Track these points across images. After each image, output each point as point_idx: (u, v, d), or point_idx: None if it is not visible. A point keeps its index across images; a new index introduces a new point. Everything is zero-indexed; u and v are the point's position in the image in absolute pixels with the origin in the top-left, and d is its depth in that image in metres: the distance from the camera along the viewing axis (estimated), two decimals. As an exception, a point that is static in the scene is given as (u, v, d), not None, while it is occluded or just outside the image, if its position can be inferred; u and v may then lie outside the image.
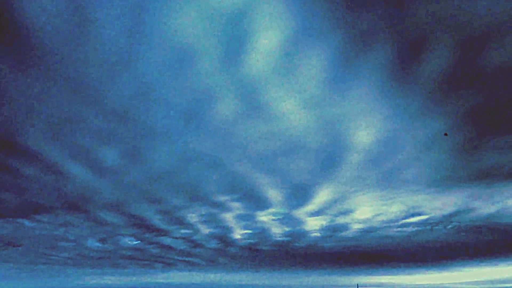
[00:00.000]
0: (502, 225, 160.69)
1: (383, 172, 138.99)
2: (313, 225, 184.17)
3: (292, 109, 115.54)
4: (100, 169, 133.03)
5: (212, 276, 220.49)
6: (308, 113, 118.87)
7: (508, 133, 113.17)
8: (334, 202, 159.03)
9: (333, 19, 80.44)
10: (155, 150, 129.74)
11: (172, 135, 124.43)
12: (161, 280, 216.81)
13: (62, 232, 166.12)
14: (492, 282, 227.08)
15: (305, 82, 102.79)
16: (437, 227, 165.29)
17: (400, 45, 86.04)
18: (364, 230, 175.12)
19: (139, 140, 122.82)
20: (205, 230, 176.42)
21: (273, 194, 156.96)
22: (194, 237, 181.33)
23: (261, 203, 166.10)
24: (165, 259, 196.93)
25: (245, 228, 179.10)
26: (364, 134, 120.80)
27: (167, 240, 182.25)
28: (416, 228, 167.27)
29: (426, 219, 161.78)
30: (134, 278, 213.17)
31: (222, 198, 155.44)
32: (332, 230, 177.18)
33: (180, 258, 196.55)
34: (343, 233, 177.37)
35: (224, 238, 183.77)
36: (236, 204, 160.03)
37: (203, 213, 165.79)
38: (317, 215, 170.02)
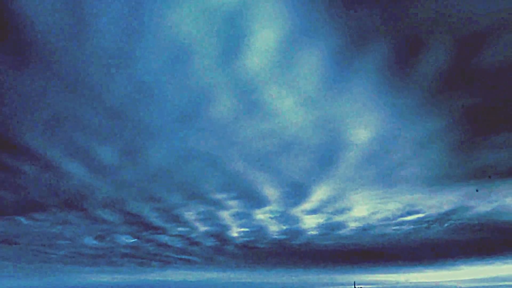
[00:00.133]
0: (498, 224, 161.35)
1: (380, 171, 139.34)
2: (310, 223, 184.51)
3: (289, 107, 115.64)
4: (97, 167, 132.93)
5: (209, 274, 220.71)
6: (306, 112, 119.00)
7: (504, 132, 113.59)
8: (331, 200, 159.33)
9: (331, 18, 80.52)
10: (152, 148, 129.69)
11: (169, 133, 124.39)
12: (158, 278, 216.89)
13: (59, 230, 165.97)
14: (488, 280, 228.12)
15: (302, 81, 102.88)
16: (433, 226, 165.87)
17: (397, 44, 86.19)
18: (361, 228, 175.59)
19: (136, 138, 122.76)
20: (202, 228, 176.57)
21: (270, 192, 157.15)
22: (191, 235, 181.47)
23: (258, 201, 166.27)
24: (162, 257, 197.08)
25: (242, 226, 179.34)
26: (361, 133, 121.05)
27: (164, 238, 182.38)
28: (412, 226, 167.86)
29: (423, 217, 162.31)
30: (131, 276, 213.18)
31: (219, 196, 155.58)
32: (329, 228, 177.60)
33: (177, 256, 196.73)
34: (340, 231, 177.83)
35: (221, 236, 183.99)
36: (233, 202, 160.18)
37: (200, 211, 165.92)
38: (314, 213, 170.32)
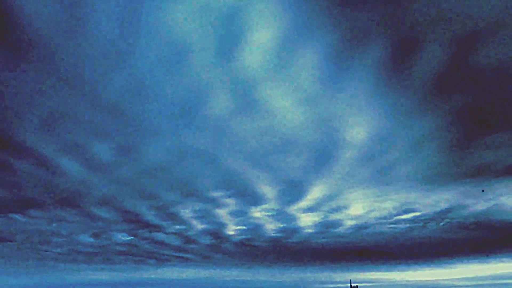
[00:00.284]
0: (493, 222, 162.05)
1: (376, 169, 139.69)
2: (307, 221, 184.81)
3: (286, 106, 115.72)
4: (94, 165, 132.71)
5: (205, 272, 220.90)
6: (302, 110, 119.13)
7: (499, 131, 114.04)
8: (327, 198, 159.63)
9: (328, 17, 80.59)
10: (149, 146, 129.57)
11: (166, 131, 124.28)
12: (154, 276, 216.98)
13: (54, 227, 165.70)
14: (484, 278, 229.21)
15: (299, 79, 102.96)
16: (429, 224, 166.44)
17: (393, 44, 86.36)
18: (357, 227, 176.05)
19: (133, 135, 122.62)
20: (198, 226, 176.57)
21: (267, 190, 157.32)
22: (188, 233, 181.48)
23: (255, 199, 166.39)
24: (159, 255, 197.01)
25: (238, 224, 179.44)
26: (358, 131, 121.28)
27: (160, 236, 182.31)
28: (408, 225, 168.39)
29: (419, 216, 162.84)
30: (127, 274, 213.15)
31: (216, 194, 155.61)
32: (326, 226, 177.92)
33: (173, 254, 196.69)
34: (336, 230, 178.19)
35: (217, 234, 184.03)
36: (230, 200, 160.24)
37: (197, 209, 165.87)
38: (311, 212, 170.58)
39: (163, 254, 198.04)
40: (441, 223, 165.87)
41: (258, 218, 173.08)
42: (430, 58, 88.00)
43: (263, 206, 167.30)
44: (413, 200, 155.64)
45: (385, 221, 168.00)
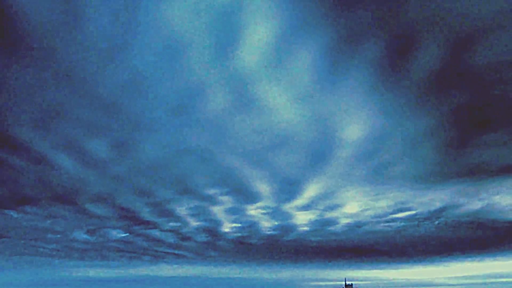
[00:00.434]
0: (488, 221, 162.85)
1: (371, 168, 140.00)
2: (302, 219, 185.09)
3: (282, 103, 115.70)
4: (89, 161, 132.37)
5: (200, 269, 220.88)
6: (298, 108, 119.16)
7: (494, 131, 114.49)
8: (323, 196, 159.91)
9: (324, 15, 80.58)
10: (145, 142, 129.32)
11: (162, 128, 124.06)
12: (149, 273, 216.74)
13: (49, 223, 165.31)
14: (478, 277, 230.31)
15: (296, 77, 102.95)
16: (424, 223, 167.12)
17: (389, 43, 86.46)
18: (352, 225, 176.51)
19: (128, 132, 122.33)
20: (194, 223, 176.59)
21: (263, 188, 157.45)
22: (183, 230, 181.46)
23: (251, 197, 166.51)
24: (153, 251, 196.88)
25: (234, 221, 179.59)
26: (353, 130, 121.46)
27: (155, 233, 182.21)
28: (403, 224, 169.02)
29: (414, 215, 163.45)
30: (122, 271, 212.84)
31: (211, 191, 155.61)
32: (321, 224, 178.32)
33: (168, 251, 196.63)
34: (332, 228, 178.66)
35: (213, 231, 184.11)
36: (225, 198, 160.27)
37: (192, 206, 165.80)
38: (306, 210, 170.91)
39: (158, 251, 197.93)
40: (436, 222, 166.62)
41: (253, 215, 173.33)
42: (426, 57, 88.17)
43: (259, 204, 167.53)
44: (408, 199, 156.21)
45: (380, 219, 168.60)
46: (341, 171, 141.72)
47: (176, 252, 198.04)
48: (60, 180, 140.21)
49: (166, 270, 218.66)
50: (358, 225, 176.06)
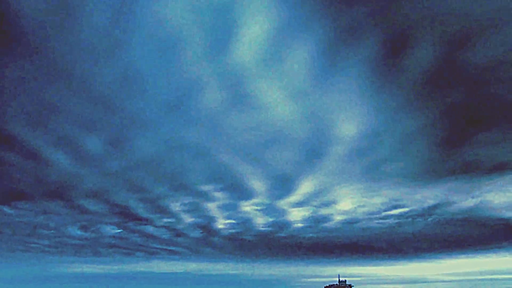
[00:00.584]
0: (480, 219, 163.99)
1: (365, 165, 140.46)
2: (296, 215, 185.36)
3: (277, 100, 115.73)
4: (83, 157, 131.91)
5: (194, 266, 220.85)
6: (293, 105, 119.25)
7: (488, 129, 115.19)
8: (317, 193, 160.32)
9: (320, 12, 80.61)
10: (139, 139, 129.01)
11: (156, 124, 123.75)
12: (143, 269, 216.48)
13: (42, 219, 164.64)
14: (470, 274, 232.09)
15: (291, 74, 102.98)
16: (417, 220, 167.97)
17: (385, 40, 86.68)
18: (346, 222, 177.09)
19: (123, 128, 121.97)
20: (188, 219, 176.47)
21: (257, 184, 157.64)
22: (177, 226, 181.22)
23: (245, 193, 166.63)
24: (147, 248, 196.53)
25: (228, 218, 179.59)
26: (348, 127, 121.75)
27: (149, 229, 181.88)
28: (397, 220, 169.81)
29: (407, 212, 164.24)
30: (116, 267, 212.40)
31: (205, 188, 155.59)
32: (315, 221, 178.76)
33: (162, 247, 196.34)
34: (326, 224, 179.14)
35: (207, 228, 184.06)
36: (219, 194, 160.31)
37: (187, 202, 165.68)
38: (300, 206, 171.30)
39: (152, 247, 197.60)
40: (429, 219, 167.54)
41: (248, 212, 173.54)
42: (421, 55, 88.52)
43: (253, 200, 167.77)
44: (401, 196, 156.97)
45: (374, 216, 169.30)
46: (335, 168, 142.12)
47: (170, 248, 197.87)
48: (54, 176, 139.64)
49: (160, 266, 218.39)
50: (352, 221, 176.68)
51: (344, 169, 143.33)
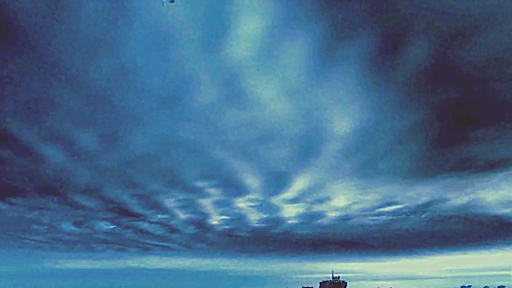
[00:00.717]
0: (473, 216, 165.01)
1: (359, 162, 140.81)
2: (290, 212, 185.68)
3: (272, 96, 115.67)
4: (76, 152, 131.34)
5: (188, 262, 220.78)
6: (288, 101, 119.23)
7: (481, 127, 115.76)
8: (311, 190, 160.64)
9: (315, 9, 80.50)
10: (133, 134, 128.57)
11: (150, 120, 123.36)
12: (137, 265, 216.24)
13: (36, 215, 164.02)
14: (462, 270, 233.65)
15: (286, 70, 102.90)
16: (411, 217, 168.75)
17: (379, 38, 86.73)
18: (340, 218, 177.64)
19: (116, 123, 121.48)
20: (182, 215, 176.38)
21: (251, 181, 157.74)
22: (171, 222, 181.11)
23: (239, 190, 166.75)
24: (141, 244, 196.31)
25: (222, 214, 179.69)
26: (342, 124, 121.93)
27: (143, 225, 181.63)
28: (390, 217, 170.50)
29: (401, 209, 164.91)
30: (109, 263, 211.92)
31: (200, 184, 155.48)
32: (309, 217, 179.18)
33: (156, 243, 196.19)
34: (320, 221, 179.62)
35: (201, 224, 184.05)
36: (213, 190, 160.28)
37: (181, 198, 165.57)
38: (294, 203, 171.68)
39: (146, 243, 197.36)
40: (423, 216, 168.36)
41: (242, 208, 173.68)
42: (415, 53, 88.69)
43: (247, 197, 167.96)
44: (395, 193, 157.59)
45: (367, 213, 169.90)
46: (329, 164, 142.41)
47: (164, 244, 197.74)
48: (47, 172, 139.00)
49: (153, 262, 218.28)
50: (346, 218, 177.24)
51: (338, 166, 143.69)
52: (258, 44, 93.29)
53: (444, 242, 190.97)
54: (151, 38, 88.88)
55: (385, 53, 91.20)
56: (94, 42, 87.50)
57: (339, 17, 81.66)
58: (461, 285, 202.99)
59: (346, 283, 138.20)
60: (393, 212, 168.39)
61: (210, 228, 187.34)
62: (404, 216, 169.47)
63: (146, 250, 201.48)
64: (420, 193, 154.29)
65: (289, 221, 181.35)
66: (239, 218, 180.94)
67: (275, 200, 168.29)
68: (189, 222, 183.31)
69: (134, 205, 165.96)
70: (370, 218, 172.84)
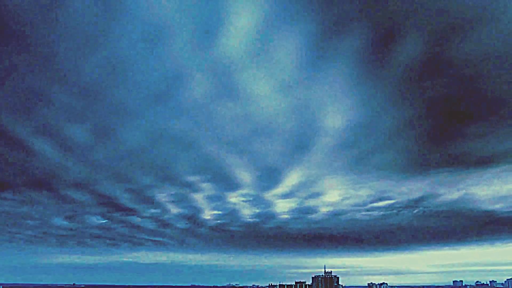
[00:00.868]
0: (465, 211, 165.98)
1: (352, 157, 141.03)
2: (283, 207, 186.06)
3: (265, 91, 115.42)
4: (68, 147, 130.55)
5: (180, 256, 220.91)
6: (281, 97, 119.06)
7: (473, 123, 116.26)
8: (303, 185, 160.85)
9: (309, 4, 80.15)
10: (125, 129, 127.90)
11: (143, 114, 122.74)
12: (129, 260, 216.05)
13: (27, 209, 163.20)
14: (454, 265, 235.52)
15: (279, 66, 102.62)
16: (403, 212, 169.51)
17: (373, 34, 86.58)
18: (332, 213, 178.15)
19: (108, 118, 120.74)
20: (174, 210, 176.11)
21: (244, 175, 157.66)
22: (163, 217, 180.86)
23: (232, 185, 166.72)
24: (133, 238, 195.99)
25: (215, 209, 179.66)
26: (335, 119, 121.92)
27: (135, 220, 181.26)
28: (383, 212, 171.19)
29: (393, 204, 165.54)
30: (101, 257, 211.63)
31: (192, 179, 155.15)
32: (301, 212, 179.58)
33: (148, 237, 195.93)
34: (312, 216, 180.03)
35: (193, 218, 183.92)
36: (206, 185, 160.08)
37: (173, 193, 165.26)
38: (287, 198, 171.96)
39: (138, 238, 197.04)
40: (415, 211, 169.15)
41: (234, 203, 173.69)
42: (408, 49, 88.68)
43: (240, 192, 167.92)
44: (387, 188, 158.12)
45: (360, 208, 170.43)
46: (322, 160, 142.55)
47: (156, 239, 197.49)
48: (38, 166, 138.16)
49: (145, 257, 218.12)
50: (338, 213, 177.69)
51: (331, 161, 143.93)
52: (251, 39, 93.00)
53: (436, 237, 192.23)
54: (143, 33, 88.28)
55: (378, 49, 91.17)
56: (87, 37, 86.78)
57: (333, 13, 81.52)
58: (453, 280, 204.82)
59: (338, 278, 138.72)
60: (385, 207, 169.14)
61: (202, 223, 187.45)
62: (396, 211, 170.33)
63: (138, 244, 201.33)
64: (412, 188, 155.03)
65: (282, 216, 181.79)
66: (232, 213, 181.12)
67: (268, 195, 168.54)
68: (181, 216, 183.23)
69: (126, 200, 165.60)
70: (362, 213, 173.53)
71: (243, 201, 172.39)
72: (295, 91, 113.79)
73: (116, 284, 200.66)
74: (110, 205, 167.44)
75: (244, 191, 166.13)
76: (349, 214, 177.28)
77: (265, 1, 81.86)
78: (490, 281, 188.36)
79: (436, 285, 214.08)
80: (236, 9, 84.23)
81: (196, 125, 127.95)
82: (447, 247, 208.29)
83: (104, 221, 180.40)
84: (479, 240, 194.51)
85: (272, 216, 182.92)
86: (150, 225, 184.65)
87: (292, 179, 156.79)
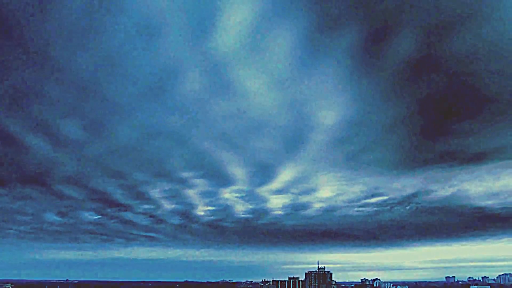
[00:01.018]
0: (457, 207, 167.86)
1: (345, 153, 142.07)
2: (276, 203, 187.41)
3: (258, 87, 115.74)
4: (61, 142, 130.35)
5: (174, 252, 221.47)
6: (274, 93, 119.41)
7: (466, 120, 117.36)
8: (297, 181, 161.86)
9: (303, 0, 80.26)
10: (118, 124, 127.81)
11: (136, 109, 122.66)
12: (122, 256, 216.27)
13: (19, 205, 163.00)
14: (447, 261, 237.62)
15: (273, 61, 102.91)
16: (396, 208, 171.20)
17: (366, 30, 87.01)
18: (325, 209, 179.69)
19: (101, 113, 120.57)
20: (167, 206, 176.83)
21: (237, 171, 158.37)
22: (157, 213, 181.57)
23: (225, 180, 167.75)
24: (126, 234, 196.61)
25: (208, 204, 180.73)
26: (329, 115, 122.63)
27: (128, 215, 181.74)
28: (376, 208, 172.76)
29: (386, 200, 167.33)
30: (94, 253, 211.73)
31: (185, 174, 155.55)
32: (295, 208, 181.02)
33: (142, 233, 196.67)
34: (305, 212, 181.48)
35: (187, 214, 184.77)
36: (199, 181, 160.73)
37: (166, 188, 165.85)
38: (280, 193, 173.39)
39: (131, 234, 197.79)
40: (408, 207, 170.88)
41: (228, 199, 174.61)
42: (401, 46, 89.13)
43: (233, 187, 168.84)
44: (380, 185, 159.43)
45: (353, 204, 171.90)
46: (315, 156, 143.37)
47: (149, 234, 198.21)
48: (31, 162, 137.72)
49: (139, 252, 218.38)
50: (331, 209, 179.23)
51: (324, 158, 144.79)
52: (245, 35, 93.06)
53: (429, 233, 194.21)
54: (137, 28, 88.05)
55: (371, 46, 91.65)
56: (80, 32, 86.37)
57: (326, 9, 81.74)
58: (445, 276, 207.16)
59: (331, 273, 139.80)
60: (378, 204, 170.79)
61: (196, 219, 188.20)
62: (389, 207, 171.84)
63: (131, 240, 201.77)
64: (405, 184, 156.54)
65: (275, 212, 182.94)
66: (225, 209, 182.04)
67: (261, 191, 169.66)
68: (175, 212, 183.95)
69: (119, 195, 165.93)
70: (355, 209, 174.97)
71: (236, 197, 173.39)
72: (288, 87, 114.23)
73: (109, 280, 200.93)
74: (104, 201, 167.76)
75: (237, 187, 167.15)
76: (342, 210, 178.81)
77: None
78: (482, 277, 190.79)
79: (428, 280, 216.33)
80: (230, 5, 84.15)
81: (190, 121, 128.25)
82: (439, 243, 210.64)
83: (97, 216, 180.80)
84: (472, 236, 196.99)
85: (265, 212, 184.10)
86: (144, 221, 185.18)
87: (285, 175, 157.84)
